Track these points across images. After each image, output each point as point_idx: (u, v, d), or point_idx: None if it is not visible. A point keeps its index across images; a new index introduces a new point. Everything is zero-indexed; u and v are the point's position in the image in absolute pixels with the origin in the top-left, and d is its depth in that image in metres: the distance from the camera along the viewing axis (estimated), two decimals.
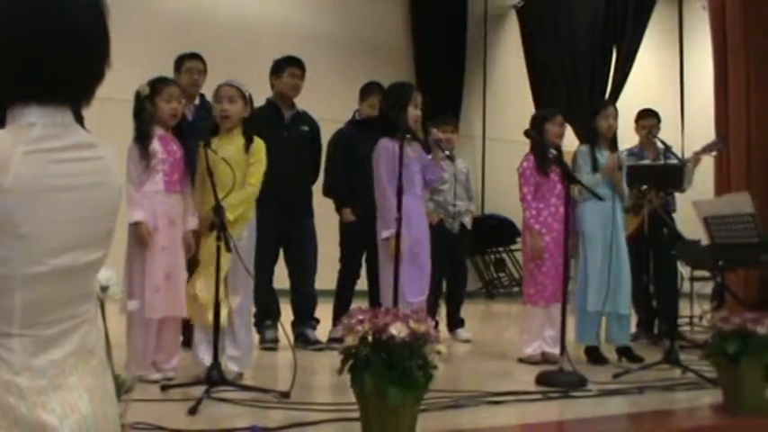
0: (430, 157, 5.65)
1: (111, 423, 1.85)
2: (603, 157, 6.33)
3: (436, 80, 12.88)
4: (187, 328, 5.33)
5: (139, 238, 4.82)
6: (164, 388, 4.52)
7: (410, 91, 5.58)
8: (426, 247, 5.53)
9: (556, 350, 5.57)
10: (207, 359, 4.77)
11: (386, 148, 5.43)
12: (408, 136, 5.32)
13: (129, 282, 4.83)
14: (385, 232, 5.36)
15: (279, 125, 6.62)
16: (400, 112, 5.42)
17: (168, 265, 4.89)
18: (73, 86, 1.86)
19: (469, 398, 4.48)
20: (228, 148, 4.96)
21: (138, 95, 4.94)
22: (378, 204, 5.46)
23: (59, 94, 1.82)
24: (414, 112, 5.45)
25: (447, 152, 5.81)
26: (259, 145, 5.12)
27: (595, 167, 6.29)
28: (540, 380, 5.17)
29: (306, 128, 6.76)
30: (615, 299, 6.17)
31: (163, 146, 4.94)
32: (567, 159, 6.05)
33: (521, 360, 6.13)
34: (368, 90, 7.10)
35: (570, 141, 11.06)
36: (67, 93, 1.84)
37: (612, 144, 6.43)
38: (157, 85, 4.99)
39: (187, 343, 5.42)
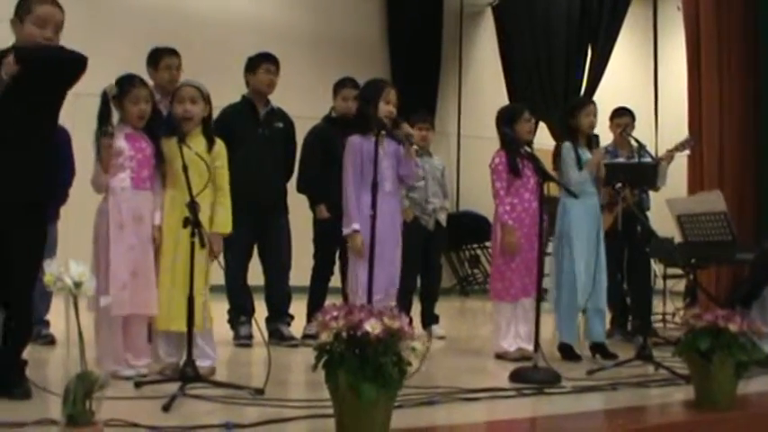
0: (402, 150, 5.62)
1: None
2: (585, 154, 6.34)
3: (411, 77, 12.88)
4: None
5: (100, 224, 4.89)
6: (137, 385, 4.50)
7: (382, 86, 5.57)
8: (392, 245, 5.48)
9: (530, 346, 5.58)
10: (167, 358, 4.83)
11: (353, 144, 5.43)
12: (383, 132, 5.31)
13: (98, 278, 4.78)
14: (345, 229, 5.38)
15: (254, 122, 6.60)
16: (371, 107, 5.42)
17: (135, 263, 4.85)
18: None
19: (444, 394, 4.48)
20: (191, 147, 4.93)
21: (104, 95, 4.87)
22: (343, 201, 5.46)
23: None
24: (385, 108, 5.43)
25: (416, 147, 5.78)
26: (221, 146, 5.13)
27: (579, 165, 6.29)
28: (515, 377, 5.17)
29: (280, 124, 6.74)
30: (597, 295, 6.20)
31: (130, 143, 4.91)
32: (542, 157, 6.06)
33: (498, 356, 6.14)
34: (340, 85, 7.11)
35: (545, 139, 11.15)
36: None
37: (590, 142, 6.44)
38: (125, 86, 4.93)
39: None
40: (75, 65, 4.18)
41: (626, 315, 7.68)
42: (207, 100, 5.12)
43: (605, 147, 7.14)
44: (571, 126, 6.46)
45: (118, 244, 4.82)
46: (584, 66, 12.72)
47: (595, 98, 11.24)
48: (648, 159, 7.16)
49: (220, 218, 5.04)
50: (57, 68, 4.17)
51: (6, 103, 4.01)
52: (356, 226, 5.28)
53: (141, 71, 5.57)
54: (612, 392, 4.95)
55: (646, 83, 14.08)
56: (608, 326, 7.16)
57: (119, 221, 4.84)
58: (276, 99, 6.80)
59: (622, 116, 7.59)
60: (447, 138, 13.65)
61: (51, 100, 4.24)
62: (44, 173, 4.23)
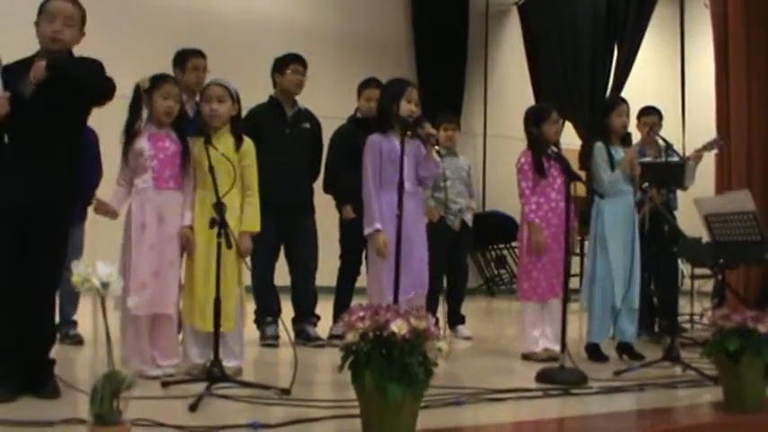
0: (424, 150, 5.61)
1: None
2: (618, 153, 6.31)
3: (437, 77, 12.88)
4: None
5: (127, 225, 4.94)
6: (164, 384, 4.52)
7: (404, 86, 5.56)
8: (417, 245, 5.47)
9: (557, 347, 5.56)
10: (197, 359, 4.84)
11: (372, 143, 5.43)
12: (409, 133, 5.30)
13: (125, 278, 4.82)
14: (367, 228, 5.36)
15: (281, 122, 6.62)
16: (393, 106, 5.41)
17: (156, 263, 4.87)
18: None
19: (470, 395, 4.48)
20: (218, 146, 4.94)
21: (137, 88, 4.93)
22: (363, 201, 5.46)
23: None
24: (407, 107, 5.42)
25: (437, 148, 5.75)
26: (250, 145, 5.13)
27: (612, 164, 6.26)
28: (541, 377, 5.16)
29: (308, 125, 6.76)
30: (631, 294, 6.17)
31: (151, 143, 4.93)
32: (568, 156, 6.03)
33: (524, 356, 6.12)
34: (364, 85, 7.12)
35: (571, 138, 11.12)
36: None
37: (624, 141, 6.40)
38: (157, 81, 4.97)
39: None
40: (100, 93, 4.23)
41: (653, 315, 7.63)
42: (235, 99, 5.12)
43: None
44: (604, 125, 6.42)
45: (140, 244, 4.86)
46: (611, 65, 12.65)
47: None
48: (676, 159, 7.11)
49: (249, 217, 5.06)
50: (83, 89, 4.21)
51: (32, 107, 4.05)
52: (378, 225, 5.26)
53: (167, 72, 5.58)
54: (640, 393, 4.93)
55: (673, 81, 14.01)
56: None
57: (141, 221, 4.88)
58: (302, 99, 6.81)
59: (649, 115, 7.54)
60: (473, 137, 13.62)
61: (75, 111, 4.27)
62: (68, 177, 4.27)
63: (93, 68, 4.21)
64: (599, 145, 6.35)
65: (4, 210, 4.10)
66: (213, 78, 5.18)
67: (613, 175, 6.21)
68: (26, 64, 4.18)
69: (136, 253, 4.84)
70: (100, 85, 4.22)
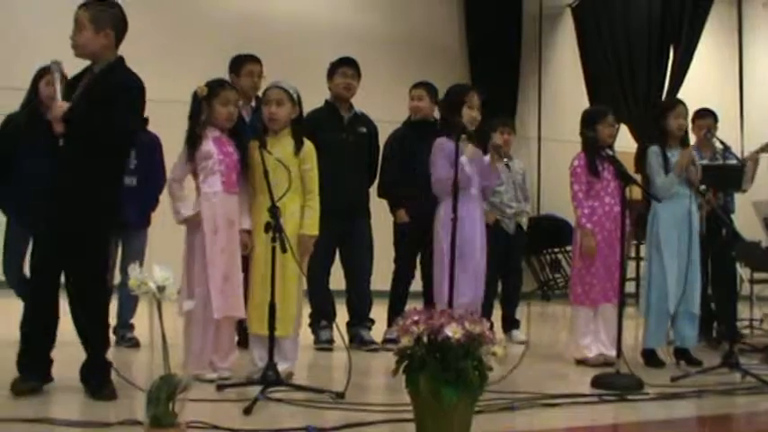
0: (487, 161, 5.63)
1: None
2: (675, 156, 6.23)
3: (491, 80, 12.80)
4: (241, 328, 5.34)
5: (193, 229, 4.93)
6: (219, 387, 4.55)
7: (466, 92, 5.57)
8: (476, 250, 5.51)
9: (612, 352, 5.52)
10: (260, 362, 4.84)
11: (441, 145, 5.48)
12: (464, 136, 5.31)
13: (188, 282, 4.87)
14: (440, 231, 5.44)
15: (337, 127, 6.65)
16: (455, 113, 5.42)
17: (227, 267, 4.92)
18: None
19: (525, 400, 4.46)
20: (277, 150, 4.98)
21: (195, 96, 4.97)
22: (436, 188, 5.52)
23: None
24: (469, 113, 5.44)
25: (506, 159, 5.75)
26: (310, 149, 5.13)
27: (667, 168, 6.19)
28: (597, 382, 5.12)
29: (364, 129, 6.79)
30: (689, 299, 6.08)
31: (218, 147, 4.98)
32: (624, 159, 5.97)
33: (578, 362, 6.08)
34: (414, 87, 7.14)
35: (627, 141, 11.02)
36: None
37: (683, 143, 6.32)
38: (215, 88, 5.01)
39: (241, 342, 5.44)
40: (113, 140, 4.31)
41: (711, 321, 7.52)
42: (295, 101, 5.11)
43: None
44: (660, 128, 6.34)
45: (213, 248, 4.89)
46: (666, 66, 12.51)
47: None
48: (733, 161, 7.01)
49: (309, 220, 5.06)
50: (97, 137, 4.28)
51: (64, 148, 4.19)
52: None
53: (223, 77, 5.63)
54: (698, 400, 4.87)
55: (730, 83, 13.83)
56: None
57: (213, 226, 4.91)
58: (356, 104, 6.83)
59: (705, 117, 7.43)
60: (527, 141, 13.55)
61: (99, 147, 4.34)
62: (101, 206, 4.34)
63: (101, 120, 4.23)
64: (654, 149, 6.28)
65: (47, 216, 4.27)
66: (274, 81, 5.18)
67: (667, 179, 6.13)
68: (79, 78, 4.36)
69: (210, 258, 4.87)
70: (107, 134, 4.26)
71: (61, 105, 4.17)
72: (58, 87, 4.25)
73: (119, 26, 4.37)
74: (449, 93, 5.77)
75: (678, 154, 6.22)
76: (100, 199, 4.29)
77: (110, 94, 4.25)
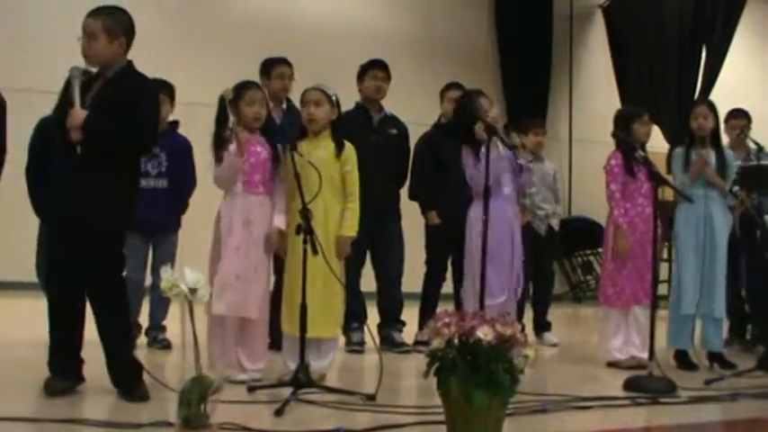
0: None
1: None
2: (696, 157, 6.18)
3: (521, 81, 12.80)
4: (273, 330, 5.35)
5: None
6: (251, 389, 4.56)
7: (473, 101, 5.62)
8: (507, 250, 5.50)
9: (644, 354, 5.48)
10: (291, 363, 4.84)
11: (467, 148, 5.51)
12: (494, 138, 5.31)
13: (213, 283, 4.88)
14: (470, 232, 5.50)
15: (367, 128, 6.66)
16: (471, 123, 5.46)
17: (240, 266, 4.91)
18: None
19: (556, 402, 4.44)
20: (317, 152, 4.99)
21: (221, 100, 4.98)
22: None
23: None
24: (492, 113, 5.45)
25: (520, 160, 5.75)
26: (351, 151, 5.13)
27: (686, 169, 6.14)
28: (629, 385, 5.09)
29: (394, 131, 6.79)
30: (710, 302, 6.02)
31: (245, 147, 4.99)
32: (656, 160, 5.93)
33: (610, 364, 6.04)
34: (446, 88, 7.15)
35: (659, 143, 10.94)
36: None
37: (711, 143, 6.24)
38: (241, 89, 5.02)
39: (273, 345, 5.45)
40: (130, 147, 4.38)
41: (745, 323, 7.46)
42: (334, 103, 5.12)
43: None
44: (689, 129, 6.29)
45: (226, 245, 4.91)
46: (699, 66, 12.42)
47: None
48: (767, 162, 6.95)
49: (348, 221, 5.07)
50: (114, 145, 4.33)
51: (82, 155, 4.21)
52: None
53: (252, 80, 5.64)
54: (732, 404, 4.83)
55: (764, 83, 13.71)
56: (726, 334, 6.97)
57: (228, 224, 4.93)
58: (386, 105, 6.84)
59: (738, 118, 7.37)
60: (558, 142, 13.49)
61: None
62: (119, 207, 4.39)
63: (120, 127, 4.27)
64: (677, 151, 6.26)
65: (67, 220, 4.30)
66: (315, 83, 5.18)
67: (678, 181, 6.08)
68: (91, 82, 4.38)
69: (223, 255, 4.89)
70: (126, 140, 4.31)
71: (79, 114, 4.19)
72: (77, 94, 4.26)
73: (129, 32, 4.41)
74: (459, 105, 5.86)
75: (704, 155, 6.16)
76: (118, 199, 4.34)
77: (126, 100, 4.30)
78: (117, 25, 4.35)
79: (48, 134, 5.52)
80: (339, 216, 5.05)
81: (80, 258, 4.24)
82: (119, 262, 4.45)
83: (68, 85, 4.32)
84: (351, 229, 5.09)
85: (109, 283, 4.34)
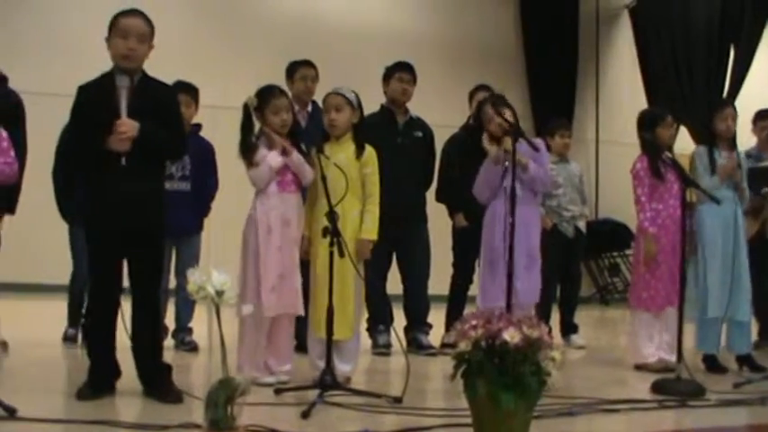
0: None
1: None
2: (723, 158, 6.12)
3: (548, 82, 12.76)
4: (300, 332, 5.35)
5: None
6: (277, 391, 4.57)
7: (480, 106, 5.72)
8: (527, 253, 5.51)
9: (672, 357, 5.44)
10: (317, 365, 4.85)
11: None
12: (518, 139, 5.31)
13: (243, 286, 4.90)
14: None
15: (393, 131, 6.65)
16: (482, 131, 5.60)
17: (283, 265, 4.94)
18: None
19: (584, 405, 4.42)
20: (339, 155, 4.99)
21: (245, 108, 4.98)
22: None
23: None
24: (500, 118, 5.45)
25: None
26: (371, 153, 5.14)
27: (714, 169, 6.09)
28: (657, 388, 5.06)
29: (420, 133, 6.79)
30: (736, 305, 5.97)
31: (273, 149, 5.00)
32: (682, 162, 5.89)
33: (638, 367, 6.00)
34: (475, 90, 7.14)
35: (687, 143, 10.87)
36: None
37: (732, 145, 6.22)
38: (266, 96, 5.01)
39: (300, 347, 5.46)
40: (172, 157, 4.76)
41: None
42: (355, 106, 5.12)
43: (746, 150, 6.85)
44: (711, 130, 6.24)
45: (267, 247, 4.92)
46: (726, 67, 12.34)
47: (738, 100, 10.93)
48: None
49: (368, 224, 5.08)
50: (161, 153, 4.50)
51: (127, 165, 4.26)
52: None
53: (276, 82, 5.64)
54: (761, 407, 4.78)
55: None
56: (755, 337, 6.91)
57: (267, 225, 4.93)
58: (413, 108, 6.83)
59: (765, 119, 7.31)
60: (585, 144, 13.44)
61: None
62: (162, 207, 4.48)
63: (168, 137, 4.37)
64: (700, 150, 6.21)
65: (114, 231, 4.33)
66: (334, 87, 5.18)
67: (710, 183, 6.02)
68: (102, 83, 4.35)
69: (264, 256, 4.89)
70: (173, 151, 4.60)
71: (133, 124, 4.20)
72: (124, 105, 4.26)
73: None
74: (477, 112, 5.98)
75: (725, 156, 6.10)
76: (161, 205, 4.44)
77: (162, 109, 4.38)
78: (153, 32, 4.38)
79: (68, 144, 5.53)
80: (357, 217, 5.06)
81: (126, 266, 4.33)
82: (162, 266, 4.56)
83: (84, 93, 4.31)
84: (371, 232, 5.10)
85: (154, 287, 4.43)
